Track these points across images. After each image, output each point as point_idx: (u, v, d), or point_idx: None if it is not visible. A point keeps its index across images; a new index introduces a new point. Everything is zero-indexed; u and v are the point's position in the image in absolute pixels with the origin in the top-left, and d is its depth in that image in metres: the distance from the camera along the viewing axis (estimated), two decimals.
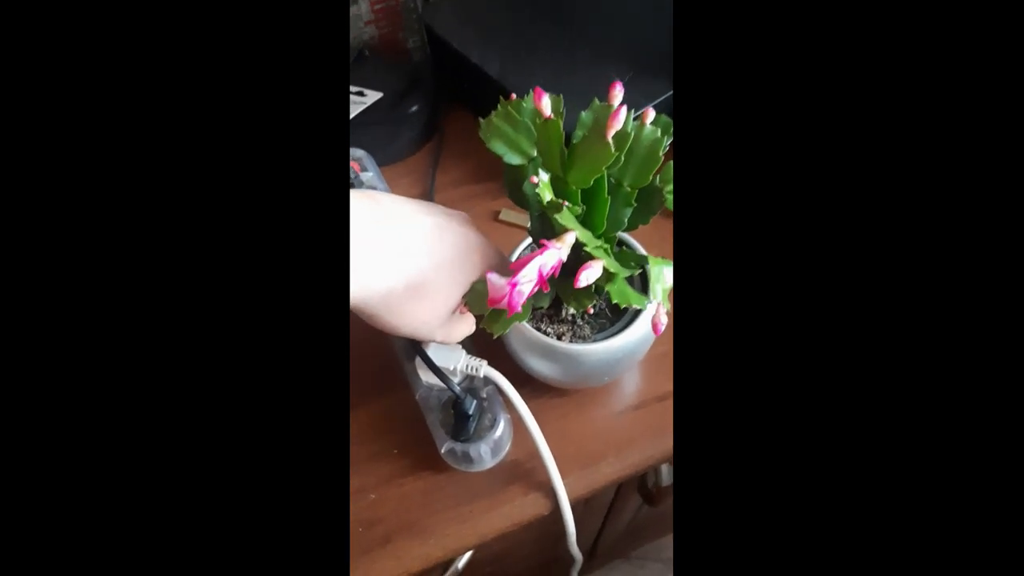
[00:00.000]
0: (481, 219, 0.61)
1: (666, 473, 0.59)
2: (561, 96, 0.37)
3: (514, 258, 0.47)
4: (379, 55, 0.73)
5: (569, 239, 0.32)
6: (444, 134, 0.68)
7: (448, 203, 0.62)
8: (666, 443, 0.49)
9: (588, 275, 0.31)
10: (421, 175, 0.64)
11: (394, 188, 0.62)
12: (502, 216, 0.61)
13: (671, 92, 0.57)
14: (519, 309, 0.31)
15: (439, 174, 0.64)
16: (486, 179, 0.64)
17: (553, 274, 0.32)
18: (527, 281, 0.30)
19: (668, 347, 0.52)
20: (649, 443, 0.48)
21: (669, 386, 0.51)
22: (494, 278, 0.30)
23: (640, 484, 0.63)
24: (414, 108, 0.64)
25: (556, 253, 0.31)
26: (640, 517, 0.89)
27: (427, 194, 0.62)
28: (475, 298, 0.40)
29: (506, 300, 0.30)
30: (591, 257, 0.32)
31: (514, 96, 0.39)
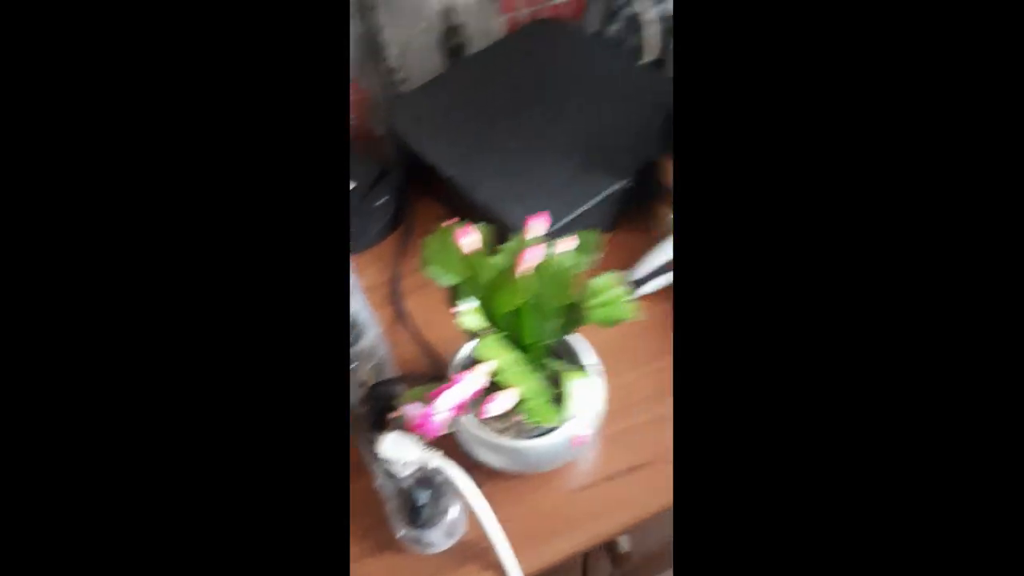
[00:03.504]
0: (443, 312, 0.65)
1: (624, 542, 0.63)
2: (493, 226, 0.41)
3: (459, 357, 0.51)
4: (353, 144, 0.77)
5: (487, 367, 0.36)
6: (413, 221, 0.72)
7: (414, 289, 0.67)
8: (617, 518, 0.53)
9: (494, 407, 0.35)
10: (388, 262, 0.69)
11: (363, 276, 0.67)
12: None
13: (618, 185, 0.62)
14: (436, 435, 0.35)
15: (406, 261, 0.68)
16: None
17: (475, 398, 0.37)
18: (443, 410, 0.34)
19: (623, 425, 0.56)
20: (600, 520, 0.52)
21: (620, 465, 0.55)
22: (411, 409, 0.34)
23: (609, 546, 0.67)
24: (383, 199, 0.69)
25: (472, 384, 0.35)
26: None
27: (394, 280, 0.67)
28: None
29: (424, 427, 0.34)
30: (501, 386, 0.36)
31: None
